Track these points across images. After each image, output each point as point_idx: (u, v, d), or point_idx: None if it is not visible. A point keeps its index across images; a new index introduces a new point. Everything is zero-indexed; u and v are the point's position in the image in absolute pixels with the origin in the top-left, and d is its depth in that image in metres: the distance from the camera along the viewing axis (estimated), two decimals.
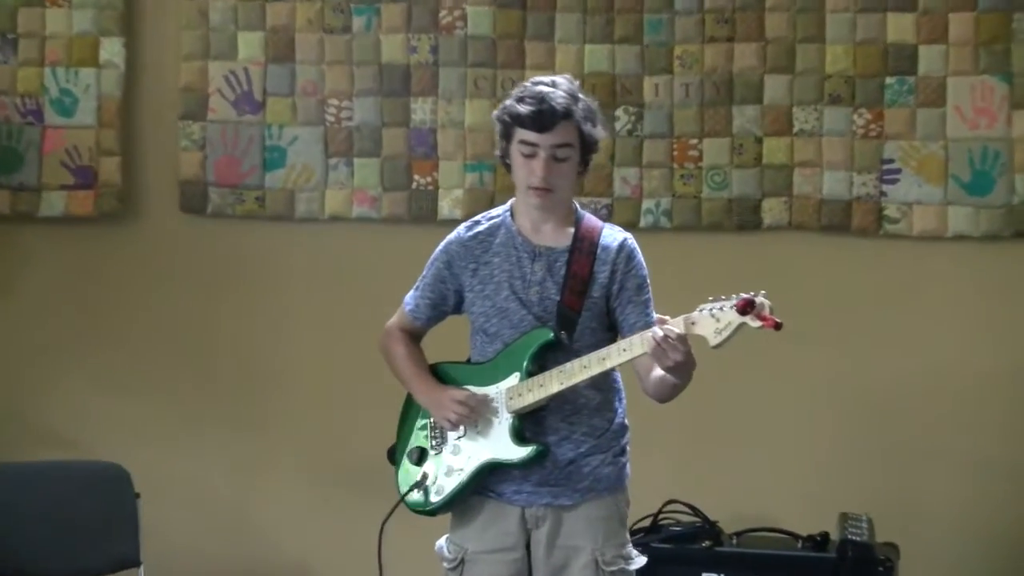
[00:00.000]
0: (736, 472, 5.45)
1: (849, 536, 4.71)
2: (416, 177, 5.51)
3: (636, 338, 3.49)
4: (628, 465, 3.75)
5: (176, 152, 5.55)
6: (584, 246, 3.63)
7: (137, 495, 4.66)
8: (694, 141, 5.44)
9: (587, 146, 3.62)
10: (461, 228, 3.76)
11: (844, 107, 5.39)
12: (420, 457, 3.75)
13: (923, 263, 5.42)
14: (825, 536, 4.83)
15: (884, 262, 5.43)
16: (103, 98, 5.51)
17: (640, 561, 3.71)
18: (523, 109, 3.56)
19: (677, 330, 3.42)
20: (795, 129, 5.41)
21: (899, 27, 5.36)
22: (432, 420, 3.74)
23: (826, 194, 5.42)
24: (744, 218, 5.45)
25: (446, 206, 5.49)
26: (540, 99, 3.55)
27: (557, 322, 3.59)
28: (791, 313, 5.35)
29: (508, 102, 3.63)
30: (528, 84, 3.64)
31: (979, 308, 5.43)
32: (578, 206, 3.72)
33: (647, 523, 4.86)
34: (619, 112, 5.43)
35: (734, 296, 3.38)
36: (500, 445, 3.63)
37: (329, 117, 5.51)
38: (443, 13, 5.47)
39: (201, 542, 5.54)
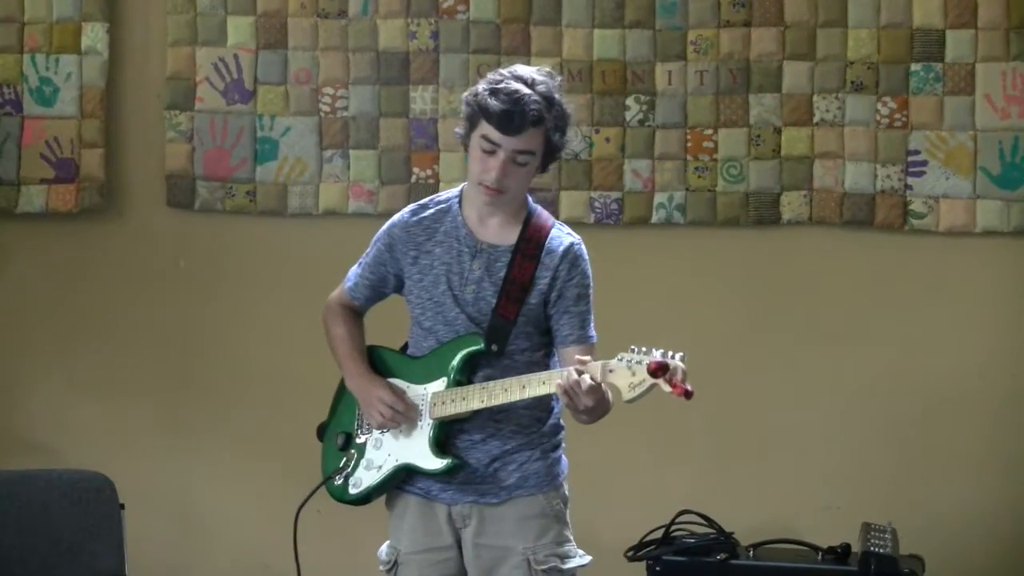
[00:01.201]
0: (752, 481, 5.41)
1: (872, 548, 4.67)
2: (416, 170, 5.47)
3: (556, 373, 3.48)
4: (563, 462, 3.72)
5: (162, 144, 5.49)
6: (529, 248, 3.60)
7: (122, 505, 4.56)
8: (709, 131, 5.39)
9: (550, 153, 3.58)
10: (406, 211, 3.74)
11: (867, 95, 5.34)
12: (345, 443, 3.78)
13: (950, 260, 5.37)
14: (847, 548, 4.78)
15: (909, 259, 5.38)
16: (85, 87, 5.45)
17: (581, 560, 3.69)
18: (493, 105, 3.48)
19: (592, 378, 3.38)
20: (816, 119, 5.36)
21: (926, 10, 5.31)
22: (359, 407, 3.77)
23: (848, 187, 5.36)
24: (762, 213, 5.39)
25: None
26: (514, 99, 3.48)
27: (488, 331, 3.58)
28: (810, 313, 5.36)
29: (481, 87, 3.54)
30: (507, 74, 3.55)
31: (1009, 307, 5.39)
32: (530, 200, 3.68)
33: (659, 534, 4.81)
34: (630, 101, 5.39)
35: (655, 350, 3.33)
36: (418, 450, 3.63)
37: (324, 107, 5.47)
38: None
39: (188, 555, 5.52)
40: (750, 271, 5.34)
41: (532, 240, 3.60)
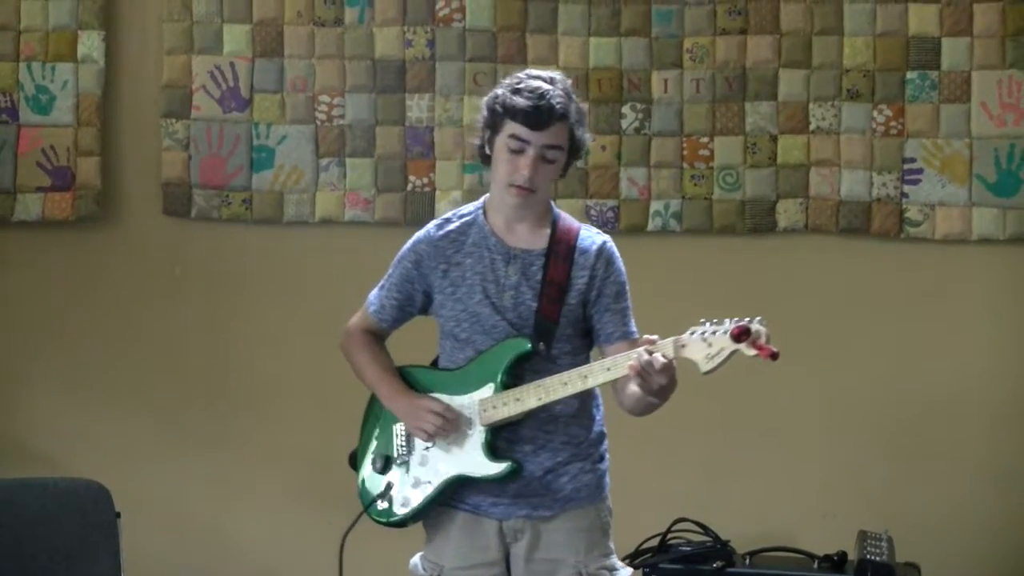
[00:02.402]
0: (749, 489, 5.41)
1: (868, 556, 4.67)
2: (412, 178, 5.46)
3: (622, 357, 3.44)
4: (608, 473, 3.70)
5: (158, 152, 5.48)
6: (561, 249, 3.59)
7: (118, 514, 4.51)
8: (705, 139, 5.39)
9: (574, 151, 3.60)
10: (431, 226, 3.71)
11: (863, 103, 5.35)
12: (385, 465, 3.71)
13: (946, 267, 5.38)
14: (843, 556, 4.78)
15: (905, 267, 5.39)
16: (81, 95, 5.44)
17: (624, 572, 3.67)
18: (520, 102, 3.51)
19: (665, 356, 3.35)
20: (812, 127, 5.37)
21: (922, 18, 5.33)
22: (399, 427, 3.70)
23: (844, 195, 5.37)
24: (758, 220, 5.39)
25: (443, 208, 5.38)
26: (539, 95, 3.51)
27: (535, 332, 3.55)
28: (806, 320, 5.36)
29: (501, 91, 3.57)
30: (524, 76, 3.59)
31: (1005, 314, 5.40)
32: (554, 205, 3.70)
33: (655, 542, 4.82)
34: (626, 109, 5.40)
35: (728, 320, 3.32)
36: (471, 460, 3.58)
37: (320, 115, 5.46)
38: (440, 5, 5.42)
39: (184, 563, 5.49)
40: (746, 279, 5.33)
41: (563, 242, 3.59)
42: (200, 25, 5.43)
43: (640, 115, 5.36)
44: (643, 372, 3.33)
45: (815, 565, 4.76)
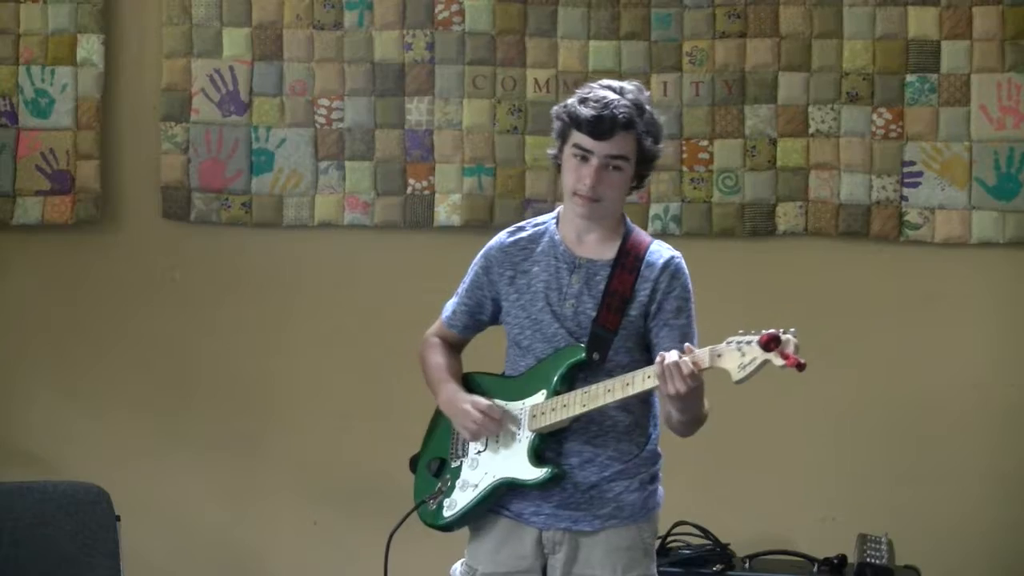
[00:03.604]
0: (748, 492, 5.39)
1: (868, 559, 4.67)
2: (411, 181, 5.44)
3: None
4: (660, 494, 3.68)
5: (158, 155, 5.48)
6: (628, 261, 3.59)
7: (117, 518, 4.53)
8: (704, 143, 5.38)
9: (644, 161, 3.59)
10: (503, 233, 3.73)
11: (863, 106, 5.33)
12: (439, 468, 3.73)
13: (946, 271, 5.35)
14: (843, 559, 4.78)
15: (905, 270, 5.37)
16: (81, 98, 5.44)
17: None
18: (584, 112, 3.52)
19: (695, 363, 3.36)
20: (811, 130, 5.35)
21: (921, 21, 5.30)
22: (454, 431, 3.71)
23: (844, 198, 5.35)
24: (757, 224, 5.38)
25: (443, 212, 5.42)
26: (604, 104, 3.51)
27: (590, 341, 3.54)
28: (806, 324, 5.32)
29: (570, 101, 3.58)
30: (594, 86, 3.60)
31: (1005, 318, 5.37)
32: (628, 219, 3.68)
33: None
34: None
35: (757, 332, 3.33)
36: (517, 464, 3.58)
37: (319, 118, 5.45)
38: (439, 8, 5.41)
39: (184, 567, 5.49)
40: (745, 282, 5.31)
41: (631, 254, 3.59)
42: (199, 28, 5.42)
43: None
44: (665, 372, 3.34)
45: (815, 568, 4.76)
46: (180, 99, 5.43)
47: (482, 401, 3.60)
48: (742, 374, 3.31)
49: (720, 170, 5.36)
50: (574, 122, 3.52)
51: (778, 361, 3.28)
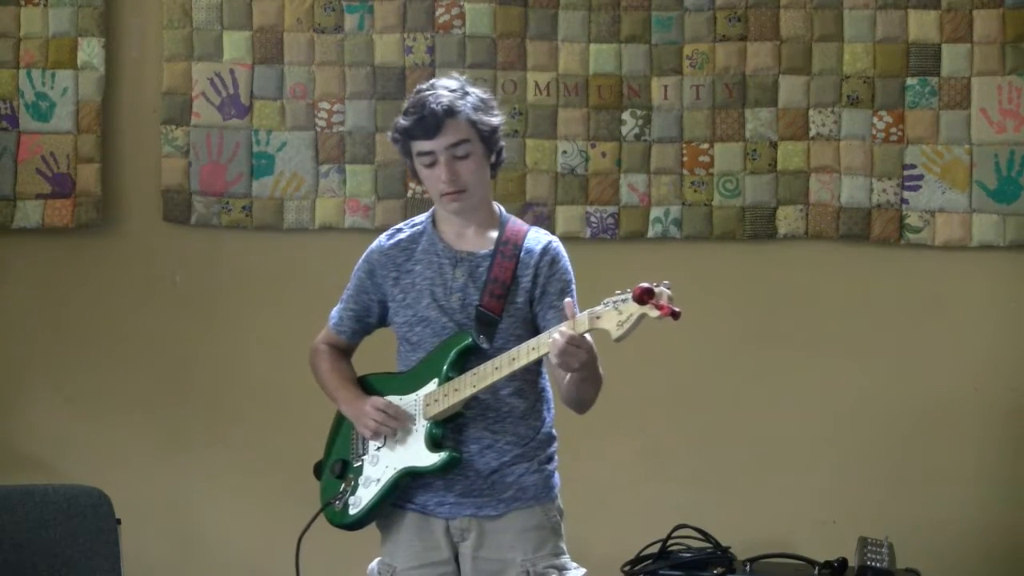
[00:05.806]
0: (749, 495, 5.39)
1: (868, 562, 4.64)
2: (412, 185, 5.44)
3: (544, 336, 3.51)
4: (556, 475, 3.76)
5: (158, 159, 5.47)
6: (507, 249, 3.68)
7: (118, 521, 4.51)
8: (705, 146, 5.38)
9: (486, 137, 3.67)
10: (382, 236, 3.83)
11: (863, 109, 5.33)
12: (343, 470, 3.80)
13: (946, 274, 5.36)
14: (843, 562, 4.75)
15: (905, 273, 5.37)
16: (81, 102, 5.43)
17: (576, 572, 3.71)
18: (407, 121, 3.65)
19: (574, 330, 3.41)
20: (812, 133, 5.35)
21: (921, 25, 5.31)
22: (354, 432, 3.80)
23: (844, 202, 5.35)
24: (758, 227, 5.38)
25: None
26: (421, 105, 3.62)
27: (476, 326, 3.64)
28: (806, 327, 5.35)
29: (396, 119, 3.71)
30: (412, 95, 3.71)
31: (1005, 321, 5.37)
32: (502, 209, 3.79)
33: (656, 549, 4.79)
34: (626, 115, 5.38)
35: (630, 289, 3.39)
36: (415, 452, 3.65)
37: (320, 121, 5.45)
38: (440, 11, 5.41)
39: (184, 570, 5.49)
40: (746, 285, 5.32)
41: (510, 242, 3.68)
42: (200, 32, 5.42)
43: (640, 121, 5.35)
44: (568, 348, 3.40)
45: (815, 571, 4.73)
46: (181, 102, 5.43)
47: (379, 400, 3.69)
48: (620, 331, 3.36)
49: (721, 173, 5.36)
50: (406, 134, 3.63)
51: (653, 313, 3.33)
